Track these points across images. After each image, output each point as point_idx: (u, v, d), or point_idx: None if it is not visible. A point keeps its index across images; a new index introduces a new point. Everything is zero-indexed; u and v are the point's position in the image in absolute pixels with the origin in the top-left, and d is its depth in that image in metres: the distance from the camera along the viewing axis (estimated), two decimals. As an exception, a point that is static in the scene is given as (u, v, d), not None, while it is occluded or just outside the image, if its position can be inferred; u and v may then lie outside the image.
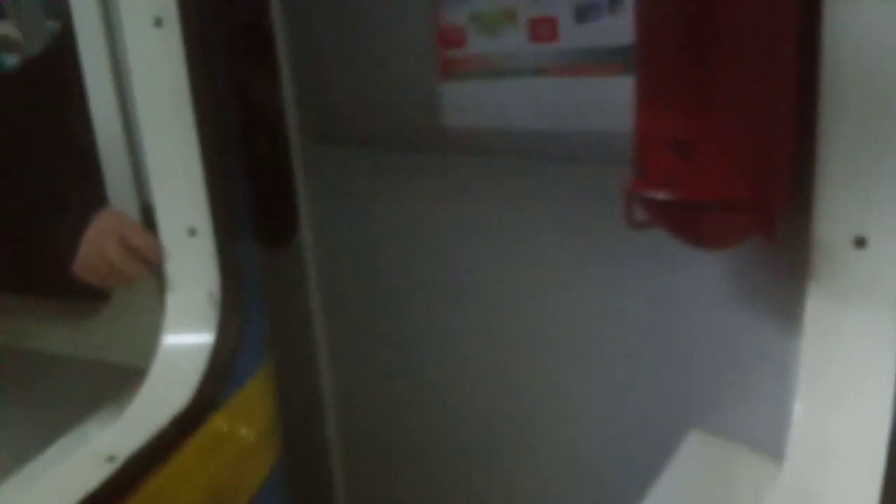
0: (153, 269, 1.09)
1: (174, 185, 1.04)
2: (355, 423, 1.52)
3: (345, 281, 1.46)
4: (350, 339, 1.47)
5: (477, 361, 1.30)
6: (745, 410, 0.96)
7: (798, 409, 0.80)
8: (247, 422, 1.06)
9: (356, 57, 1.30)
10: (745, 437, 0.96)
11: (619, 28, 1.00)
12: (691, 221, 0.83)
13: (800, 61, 0.75)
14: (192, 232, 1.04)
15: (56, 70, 1.25)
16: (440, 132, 1.24)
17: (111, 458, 0.84)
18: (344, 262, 1.45)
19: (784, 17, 0.74)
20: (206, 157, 1.02)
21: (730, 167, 0.77)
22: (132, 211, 1.15)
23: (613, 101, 1.02)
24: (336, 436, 1.53)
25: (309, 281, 1.48)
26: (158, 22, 0.98)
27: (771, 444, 0.85)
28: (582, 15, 1.04)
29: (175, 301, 1.06)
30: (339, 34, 1.31)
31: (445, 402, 1.37)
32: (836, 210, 0.75)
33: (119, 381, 1.12)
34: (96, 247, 1.08)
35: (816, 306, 0.78)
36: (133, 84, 1.05)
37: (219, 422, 0.98)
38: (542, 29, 1.08)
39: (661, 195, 0.80)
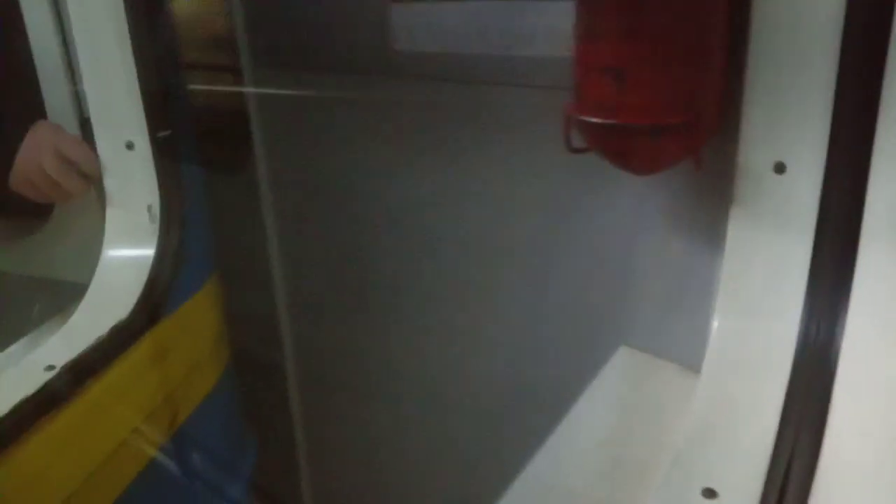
0: (91, 182, 1.07)
1: (111, 98, 1.02)
2: (308, 338, 1.56)
3: (297, 200, 1.47)
4: (303, 255, 1.49)
5: (421, 275, 1.34)
6: (672, 327, 1.01)
7: (715, 323, 0.85)
8: (191, 335, 1.08)
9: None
10: (672, 353, 1.02)
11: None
12: (623, 145, 0.85)
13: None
14: (130, 146, 1.02)
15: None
16: (390, 55, 1.23)
17: (50, 367, 0.85)
18: (297, 181, 1.45)
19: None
20: (142, 71, 0.99)
21: (661, 94, 0.80)
22: (70, 124, 1.13)
23: (558, 27, 1.02)
24: (289, 347, 1.56)
25: (262, 200, 1.48)
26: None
27: (697, 360, 0.90)
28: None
29: (114, 215, 1.05)
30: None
31: (397, 316, 1.41)
32: (759, 137, 0.78)
33: (62, 297, 1.12)
34: (32, 160, 1.06)
35: (738, 227, 0.82)
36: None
37: (161, 334, 1.00)
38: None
39: (595, 119, 0.82)
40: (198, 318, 1.11)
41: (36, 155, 1.05)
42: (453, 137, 1.21)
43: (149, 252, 1.02)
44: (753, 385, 0.80)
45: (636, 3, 0.78)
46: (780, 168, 0.77)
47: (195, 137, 1.19)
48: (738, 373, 0.82)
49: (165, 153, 1.02)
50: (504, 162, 1.15)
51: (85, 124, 1.13)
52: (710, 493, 0.72)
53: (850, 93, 0.71)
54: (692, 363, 0.95)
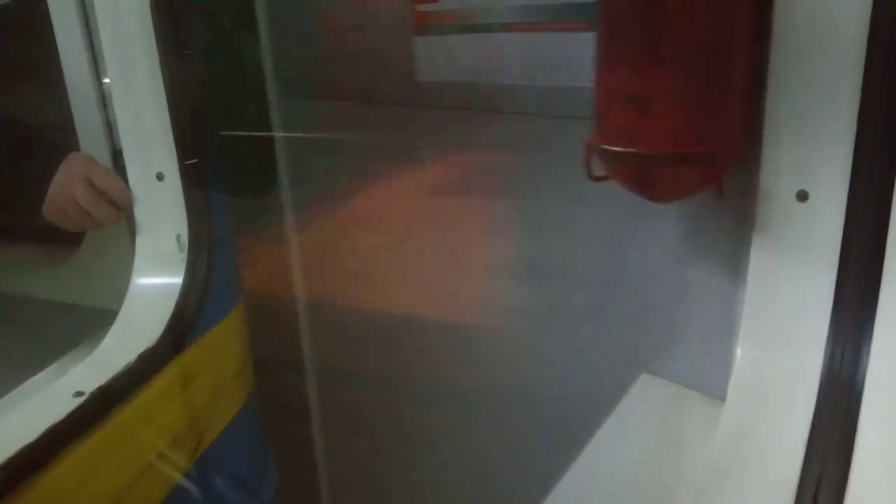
0: (122, 212, 1.10)
1: (142, 130, 1.05)
2: (331, 362, 1.56)
3: (321, 230, 1.48)
4: (326, 283, 1.50)
5: (441, 301, 1.34)
6: (694, 355, 1.01)
7: (739, 352, 0.84)
8: (217, 360, 1.09)
9: (331, 10, 1.31)
10: (693, 381, 1.01)
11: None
12: (645, 174, 0.86)
13: (754, 23, 0.77)
14: (160, 176, 1.05)
15: (27, 14, 1.24)
16: (413, 86, 1.25)
17: (80, 393, 0.87)
18: (321, 210, 1.47)
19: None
20: (173, 104, 1.02)
21: (683, 122, 0.80)
22: (102, 155, 1.16)
23: (578, 57, 1.04)
24: (311, 374, 1.57)
25: (286, 229, 1.50)
26: (125, -33, 0.98)
27: (718, 387, 0.89)
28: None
29: (144, 244, 1.07)
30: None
31: (418, 340, 1.41)
32: (781, 165, 0.78)
33: (92, 323, 1.14)
34: (65, 190, 1.08)
35: (760, 256, 0.81)
36: (101, 30, 1.04)
37: (187, 361, 1.01)
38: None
39: (617, 148, 0.83)
40: (223, 345, 1.13)
41: (69, 185, 1.08)
42: (472, 165, 1.22)
43: (177, 280, 1.04)
44: (778, 415, 0.79)
45: (657, 32, 0.79)
46: (802, 196, 0.77)
47: (222, 166, 1.21)
48: (763, 403, 0.81)
49: (194, 183, 1.04)
50: (524, 189, 1.16)
51: (116, 155, 1.16)
52: (735, 525, 0.71)
53: (873, 119, 0.71)
54: (714, 391, 0.95)
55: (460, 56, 1.20)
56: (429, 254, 1.35)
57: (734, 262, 0.90)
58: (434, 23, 1.21)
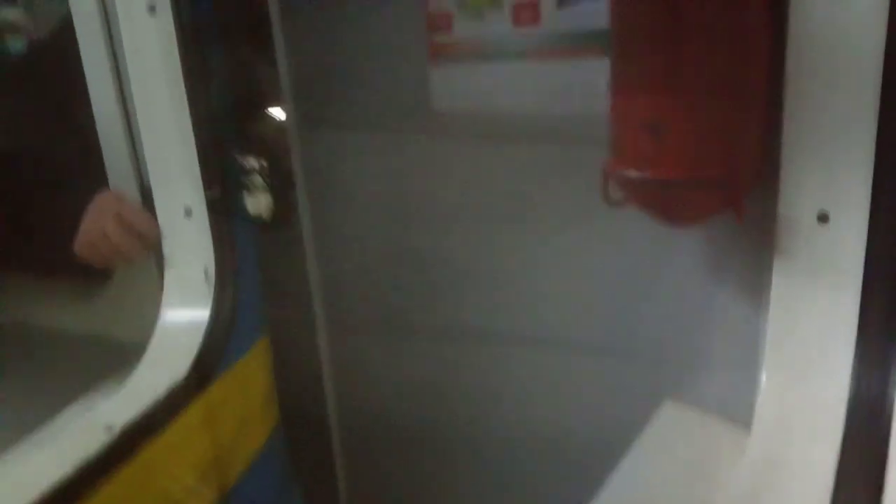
0: (151, 247, 1.12)
1: (170, 167, 1.08)
2: (353, 395, 1.57)
3: (341, 259, 1.50)
4: (347, 314, 1.51)
5: (469, 332, 1.34)
6: (717, 381, 1.00)
7: (764, 379, 0.83)
8: (243, 394, 1.10)
9: (349, 42, 1.33)
10: (717, 407, 1.00)
11: (600, 11, 1.02)
12: (663, 199, 0.86)
13: (769, 48, 0.77)
14: (188, 212, 1.07)
15: (59, 53, 1.28)
16: (430, 115, 1.27)
17: (109, 428, 0.88)
18: (340, 240, 1.48)
19: (753, 5, 0.77)
20: (200, 141, 1.05)
21: (699, 148, 0.80)
22: (131, 192, 1.19)
23: (594, 84, 1.04)
24: (334, 408, 1.57)
25: (307, 259, 1.51)
26: (152, 9, 1.01)
27: (742, 413, 0.88)
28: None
29: (172, 278, 1.09)
30: (333, 20, 1.33)
31: (440, 374, 1.41)
32: (801, 187, 0.77)
33: (122, 356, 1.16)
34: (96, 226, 1.11)
35: (782, 279, 0.81)
36: (129, 69, 1.07)
37: (214, 393, 1.02)
38: (525, 13, 1.10)
39: (634, 174, 0.83)
40: (249, 378, 1.14)
41: (100, 221, 1.11)
42: (498, 195, 1.23)
43: (204, 313, 1.06)
44: (806, 443, 0.78)
45: (672, 58, 0.79)
46: (823, 218, 0.77)
47: (246, 199, 1.23)
48: (790, 430, 0.80)
49: (220, 216, 1.07)
50: (547, 215, 1.16)
51: (145, 191, 1.19)
52: (764, 556, 0.70)
53: (893, 139, 0.70)
54: (738, 417, 0.93)
55: (475, 85, 1.22)
56: (451, 286, 1.35)
57: (754, 284, 0.90)
58: (449, 53, 1.23)
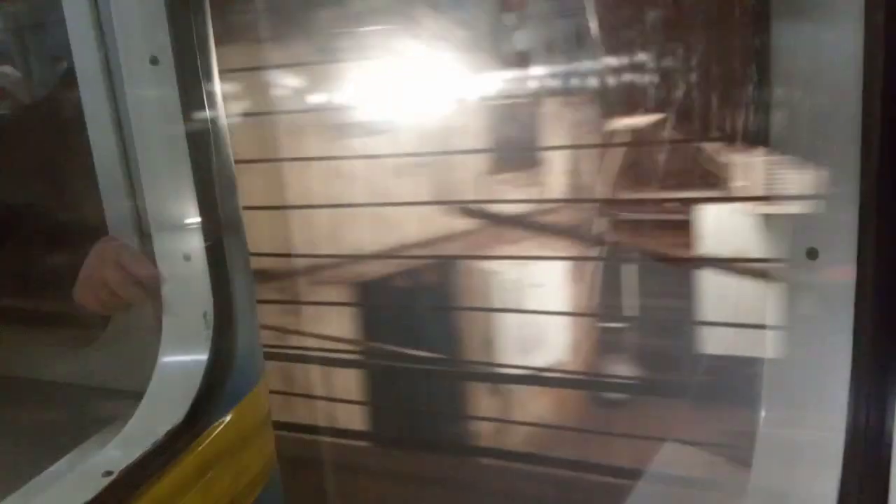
0: (151, 293, 1.13)
1: (170, 213, 1.09)
2: (350, 441, 1.56)
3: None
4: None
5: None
6: (718, 419, 1.00)
7: (763, 416, 0.84)
8: (242, 437, 1.09)
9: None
10: (720, 445, 1.00)
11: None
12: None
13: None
14: (187, 257, 1.08)
15: (60, 106, 1.31)
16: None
17: (108, 473, 0.88)
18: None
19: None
20: (200, 187, 1.07)
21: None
22: (130, 238, 1.20)
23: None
24: (330, 454, 1.56)
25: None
26: (154, 60, 1.04)
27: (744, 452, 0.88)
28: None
29: (171, 323, 1.10)
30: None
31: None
32: (790, 224, 0.80)
33: (120, 405, 1.15)
34: (96, 273, 1.12)
35: (776, 313, 0.82)
36: (131, 118, 1.10)
37: (212, 438, 1.02)
38: None
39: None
40: (246, 423, 1.13)
41: (100, 268, 1.11)
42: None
43: (202, 357, 1.06)
44: (807, 476, 0.79)
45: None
46: (812, 254, 0.79)
47: (245, 243, 1.24)
48: (790, 465, 0.81)
49: (220, 263, 1.08)
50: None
51: (144, 238, 1.20)
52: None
53: (876, 176, 0.73)
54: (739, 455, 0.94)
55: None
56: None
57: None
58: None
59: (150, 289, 1.12)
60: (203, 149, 1.09)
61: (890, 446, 0.71)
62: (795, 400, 0.82)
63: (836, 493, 0.74)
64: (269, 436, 1.23)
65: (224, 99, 1.12)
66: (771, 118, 0.79)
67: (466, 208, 4.87)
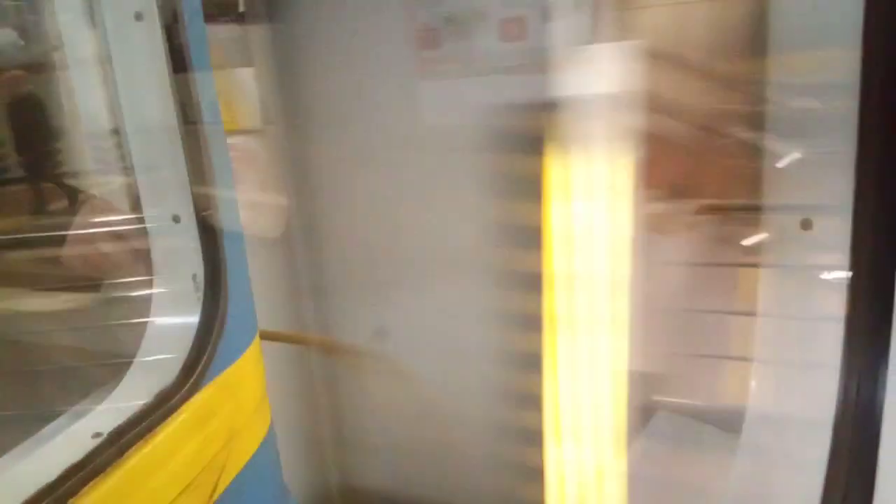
0: (139, 256, 1.12)
1: (159, 175, 1.07)
2: (345, 400, 1.57)
3: (332, 266, 1.50)
4: (338, 322, 1.52)
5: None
6: (708, 387, 1.00)
7: (753, 383, 0.83)
8: (233, 399, 1.09)
9: (338, 57, 1.34)
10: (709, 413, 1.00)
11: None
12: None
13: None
14: (177, 219, 1.07)
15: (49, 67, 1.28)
16: (419, 129, 1.28)
17: (97, 434, 0.87)
18: (331, 249, 1.49)
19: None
20: (188, 148, 1.05)
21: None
22: (120, 200, 1.18)
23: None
24: (326, 411, 1.57)
25: (299, 269, 1.52)
26: (139, 16, 1.01)
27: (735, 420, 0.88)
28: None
29: (161, 285, 1.09)
30: (322, 38, 1.35)
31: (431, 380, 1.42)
32: (784, 196, 0.79)
33: (111, 366, 1.15)
34: (85, 235, 1.11)
35: (769, 285, 0.82)
36: (117, 76, 1.07)
37: (204, 399, 1.01)
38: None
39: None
40: (240, 383, 1.13)
41: (88, 231, 1.10)
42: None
43: (193, 320, 1.05)
44: (796, 444, 0.78)
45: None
46: (806, 225, 0.78)
47: (237, 206, 1.23)
48: (779, 433, 0.80)
49: (209, 223, 1.06)
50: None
51: (133, 199, 1.18)
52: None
53: (872, 149, 0.71)
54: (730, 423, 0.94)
55: (461, 99, 1.23)
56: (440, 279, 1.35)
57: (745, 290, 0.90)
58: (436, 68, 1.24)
59: (138, 251, 1.11)
60: (191, 109, 1.06)
61: (881, 414, 0.71)
62: (786, 369, 0.81)
63: (826, 461, 0.74)
64: (264, 397, 1.23)
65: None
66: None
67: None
